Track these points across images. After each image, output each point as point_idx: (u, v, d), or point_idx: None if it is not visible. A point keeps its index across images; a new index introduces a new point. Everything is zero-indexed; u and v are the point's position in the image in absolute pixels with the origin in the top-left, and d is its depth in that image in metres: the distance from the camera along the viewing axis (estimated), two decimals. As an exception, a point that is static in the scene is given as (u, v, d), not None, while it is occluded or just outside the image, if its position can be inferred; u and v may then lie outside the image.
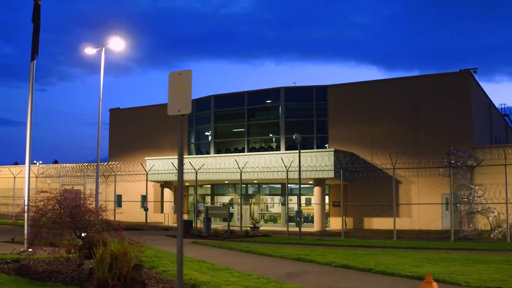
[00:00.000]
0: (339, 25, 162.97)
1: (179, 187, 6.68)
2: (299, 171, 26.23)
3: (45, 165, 47.02)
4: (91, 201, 12.96)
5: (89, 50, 32.39)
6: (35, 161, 65.19)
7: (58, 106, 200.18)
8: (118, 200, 41.52)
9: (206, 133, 41.75)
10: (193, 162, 33.75)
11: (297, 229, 30.91)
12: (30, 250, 17.19)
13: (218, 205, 38.01)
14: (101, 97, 33.12)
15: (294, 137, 26.76)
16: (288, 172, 30.30)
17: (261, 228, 30.88)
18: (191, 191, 41.39)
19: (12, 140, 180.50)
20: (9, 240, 21.31)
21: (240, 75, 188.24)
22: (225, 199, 39.85)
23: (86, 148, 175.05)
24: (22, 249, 17.32)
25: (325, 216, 34.58)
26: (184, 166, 34.10)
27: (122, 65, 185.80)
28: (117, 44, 31.16)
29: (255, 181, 36.40)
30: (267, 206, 39.37)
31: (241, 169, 31.34)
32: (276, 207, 38.83)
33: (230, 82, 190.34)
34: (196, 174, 32.66)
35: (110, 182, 39.64)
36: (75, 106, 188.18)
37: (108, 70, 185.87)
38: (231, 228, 30.27)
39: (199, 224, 31.61)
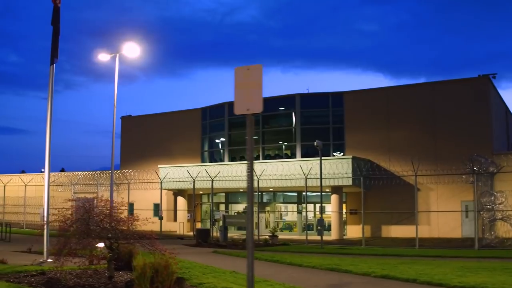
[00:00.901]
0: (345, 33, 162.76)
1: (249, 197, 6.09)
2: (321, 178, 25.70)
3: (56, 173, 46.56)
4: (122, 210, 12.44)
5: (103, 57, 31.93)
6: (42, 170, 64.87)
7: (63, 115, 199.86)
8: (130, 209, 40.98)
9: (217, 140, 41.26)
10: (208, 170, 33.25)
11: (314, 237, 30.48)
12: (50, 260, 16.69)
13: (233, 214, 37.45)
14: (115, 103, 32.67)
15: (315, 144, 26.24)
16: (307, 179, 29.75)
17: (281, 237, 30.35)
18: (205, 199, 40.89)
19: (17, 149, 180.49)
20: (26, 250, 20.80)
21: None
22: (239, 207, 39.30)
23: (93, 157, 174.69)
24: (41, 260, 16.81)
25: (342, 224, 33.98)
26: (199, 174, 33.86)
27: (128, 73, 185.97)
28: (132, 50, 30.70)
29: (270, 189, 35.85)
30: (281, 214, 38.80)
31: (258, 177, 30.80)
32: (290, 215, 38.25)
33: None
34: (212, 182, 32.18)
35: (122, 190, 39.13)
36: (80, 115, 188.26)
37: (113, 79, 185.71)
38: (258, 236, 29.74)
39: (215, 233, 31.07)
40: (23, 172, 67.05)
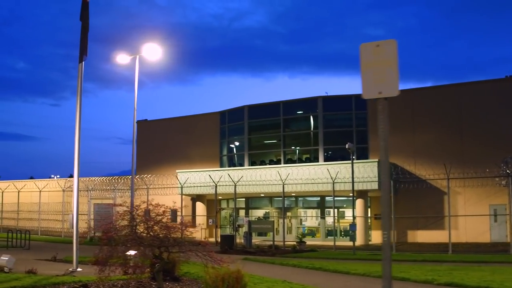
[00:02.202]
0: (352, 38, 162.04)
1: (385, 202, 5.27)
2: (352, 182, 24.98)
3: (72, 179, 45.81)
4: (167, 217, 11.72)
5: (123, 58, 31.35)
6: (52, 175, 64.30)
7: (71, 121, 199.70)
8: (146, 215, 40.30)
9: (236, 144, 40.52)
10: (231, 174, 32.52)
11: (341, 243, 29.72)
12: (80, 269, 15.98)
13: (253, 219, 36.66)
14: (135, 106, 32.11)
15: (347, 146, 25.53)
16: (335, 184, 29.01)
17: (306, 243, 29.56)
18: (223, 204, 40.14)
19: (26, 155, 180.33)
20: (51, 259, 20.06)
21: (253, 88, 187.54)
22: (260, 212, 38.53)
23: (102, 163, 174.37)
24: (71, 269, 16.11)
25: (367, 229, 33.18)
26: (222, 179, 33.12)
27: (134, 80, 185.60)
28: (153, 51, 30.08)
29: (293, 194, 35.06)
30: (300, 220, 38.00)
31: (283, 181, 30.06)
32: (310, 220, 37.46)
33: (243, 95, 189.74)
34: (235, 187, 31.45)
35: (138, 196, 38.37)
36: (88, 121, 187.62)
37: (121, 85, 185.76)
38: (270, 242, 28.95)
39: (238, 239, 30.32)
40: (31, 178, 66.61)
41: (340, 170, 29.08)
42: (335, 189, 29.50)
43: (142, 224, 10.87)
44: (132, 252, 15.11)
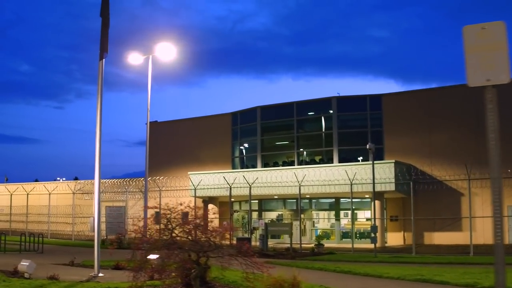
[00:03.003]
0: (356, 40, 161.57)
1: (496, 189, 4.81)
2: (373, 183, 24.50)
3: (82, 181, 45.49)
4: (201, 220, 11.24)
5: (135, 58, 30.95)
6: (58, 178, 63.88)
7: (75, 124, 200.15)
8: (157, 217, 39.80)
9: (248, 145, 40.07)
10: (246, 176, 32.06)
11: (358, 245, 29.27)
12: (101, 275, 15.52)
13: (267, 221, 36.17)
14: (148, 107, 31.85)
15: (368, 147, 25.10)
16: (352, 185, 28.54)
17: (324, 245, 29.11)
18: (236, 206, 39.64)
19: (29, 158, 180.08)
20: (68, 263, 19.54)
21: (257, 90, 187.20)
22: (273, 214, 38.03)
23: (106, 166, 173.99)
24: (92, 274, 15.65)
25: (384, 231, 32.68)
26: (236, 180, 32.65)
27: (139, 82, 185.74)
28: (167, 50, 29.67)
29: (307, 196, 34.57)
30: (313, 222, 37.49)
31: (300, 182, 29.58)
32: (323, 222, 36.95)
33: (247, 97, 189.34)
34: (250, 189, 31.00)
35: (149, 198, 37.89)
36: (92, 124, 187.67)
37: (124, 87, 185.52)
38: (286, 245, 28.48)
39: (253, 241, 29.85)
40: (36, 180, 66.25)
41: (358, 171, 28.62)
42: (350, 190, 29.03)
43: (178, 228, 10.37)
44: (154, 256, 14.63)
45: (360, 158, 33.96)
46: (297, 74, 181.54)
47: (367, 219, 34.84)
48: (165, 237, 10.39)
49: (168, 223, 10.68)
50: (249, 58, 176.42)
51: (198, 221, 10.61)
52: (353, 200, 34.06)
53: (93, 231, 18.51)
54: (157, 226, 11.32)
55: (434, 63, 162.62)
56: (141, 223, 10.63)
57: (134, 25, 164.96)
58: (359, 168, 28.82)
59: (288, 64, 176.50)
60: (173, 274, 11.38)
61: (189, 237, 10.30)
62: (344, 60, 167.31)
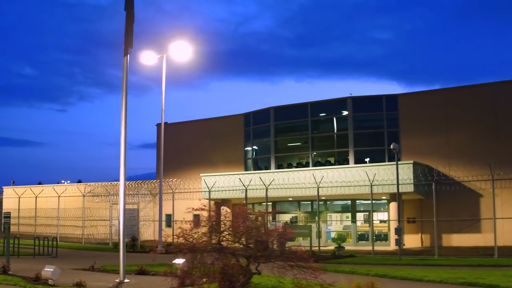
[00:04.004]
0: (359, 42, 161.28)
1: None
2: (397, 184, 24.05)
3: (92, 183, 44.96)
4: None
5: (149, 57, 30.59)
6: (62, 181, 63.30)
7: (78, 127, 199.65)
8: (168, 220, 39.18)
9: (262, 147, 39.54)
10: (262, 177, 31.54)
11: (376, 248, 28.66)
12: (127, 280, 15.00)
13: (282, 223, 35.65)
14: (163, 107, 31.52)
15: (392, 147, 24.59)
16: (372, 186, 28.01)
17: (331, 248, 28.65)
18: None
19: (32, 161, 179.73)
20: (89, 268, 19.02)
21: (260, 92, 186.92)
22: (287, 217, 37.48)
23: (109, 168, 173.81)
24: (118, 280, 15.18)
25: (402, 233, 32.11)
26: (252, 182, 32.10)
27: (141, 84, 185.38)
28: (182, 50, 29.30)
29: (322, 197, 34.02)
30: (327, 223, 36.93)
31: (318, 184, 29.05)
32: (337, 224, 36.39)
33: (249, 99, 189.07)
34: (266, 191, 30.51)
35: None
36: (95, 127, 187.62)
37: (129, 90, 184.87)
38: (302, 248, 27.88)
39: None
40: (40, 183, 65.69)
41: (378, 172, 28.11)
42: (370, 191, 28.51)
43: (227, 232, 9.81)
44: (180, 261, 14.04)
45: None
46: (300, 76, 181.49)
47: (381, 221, 34.32)
48: (213, 241, 9.81)
49: (215, 226, 10.10)
50: (252, 61, 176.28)
51: (249, 223, 9.99)
52: (368, 202, 33.59)
53: (118, 234, 18.02)
54: (200, 230, 10.73)
55: (437, 65, 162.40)
56: (185, 226, 9.99)
57: (137, 28, 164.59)
58: (379, 169, 28.30)
59: (291, 66, 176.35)
60: (203, 279, 10.81)
61: (240, 241, 9.70)
62: (346, 62, 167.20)
